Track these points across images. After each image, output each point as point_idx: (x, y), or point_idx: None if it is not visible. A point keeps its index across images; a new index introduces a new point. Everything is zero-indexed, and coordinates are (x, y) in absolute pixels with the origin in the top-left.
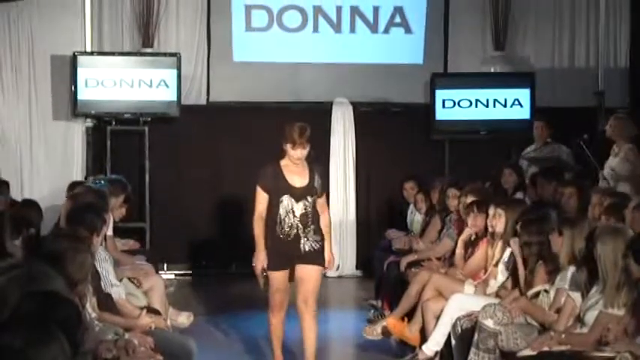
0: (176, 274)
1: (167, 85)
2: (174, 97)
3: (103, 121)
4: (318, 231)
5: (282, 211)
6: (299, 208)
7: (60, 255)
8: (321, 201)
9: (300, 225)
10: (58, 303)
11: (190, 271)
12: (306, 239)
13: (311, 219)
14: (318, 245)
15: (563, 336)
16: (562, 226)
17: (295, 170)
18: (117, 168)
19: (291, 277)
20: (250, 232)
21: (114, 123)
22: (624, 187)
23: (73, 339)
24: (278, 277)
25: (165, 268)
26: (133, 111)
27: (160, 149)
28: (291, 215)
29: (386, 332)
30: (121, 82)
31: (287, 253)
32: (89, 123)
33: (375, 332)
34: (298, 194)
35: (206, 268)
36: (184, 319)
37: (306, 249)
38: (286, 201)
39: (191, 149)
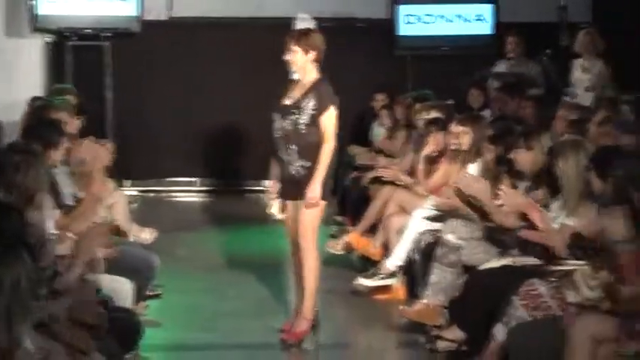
0: (139, 191)
1: (128, 0)
2: (135, 13)
3: (63, 36)
4: (306, 155)
5: (274, 131)
6: (281, 126)
7: (12, 168)
8: (320, 123)
9: (284, 146)
10: (5, 211)
11: (153, 187)
12: (289, 163)
13: (293, 139)
14: (304, 171)
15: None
16: (530, 141)
17: (298, 87)
18: (78, 84)
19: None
20: (212, 148)
21: (74, 38)
22: (587, 97)
23: (32, 251)
24: (285, 206)
25: (128, 184)
26: (94, 26)
27: (122, 65)
28: (279, 134)
29: (349, 247)
30: None
31: (282, 178)
32: (49, 38)
33: (337, 246)
34: (284, 111)
35: (169, 184)
36: (147, 234)
37: (290, 173)
38: (277, 119)
39: (153, 65)
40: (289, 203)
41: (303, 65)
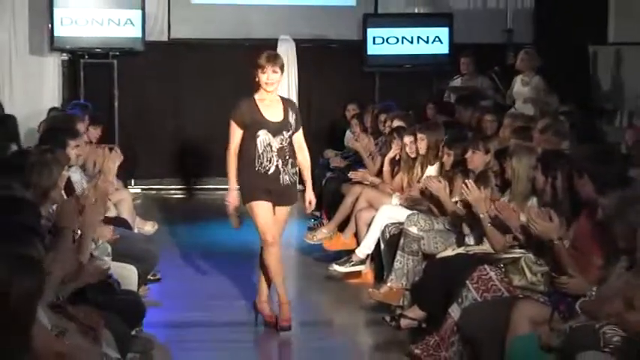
0: (142, 189)
1: (133, 24)
2: (139, 34)
3: (77, 55)
4: (295, 165)
5: (259, 146)
6: (276, 142)
7: (28, 168)
8: (298, 137)
9: (279, 159)
10: (22, 205)
11: (154, 186)
12: (285, 173)
13: (288, 153)
14: (294, 179)
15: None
16: (487, 145)
17: (270, 105)
18: (89, 96)
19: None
20: (206, 153)
21: (86, 57)
22: (529, 108)
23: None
24: (263, 207)
25: (132, 183)
26: (103, 46)
27: (127, 80)
28: (269, 149)
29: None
30: (92, 21)
31: (267, 187)
32: (64, 57)
33: (314, 238)
34: (274, 129)
35: (168, 183)
36: (150, 227)
37: (286, 182)
38: (263, 136)
39: (154, 79)
40: (278, 208)
41: (279, 84)
